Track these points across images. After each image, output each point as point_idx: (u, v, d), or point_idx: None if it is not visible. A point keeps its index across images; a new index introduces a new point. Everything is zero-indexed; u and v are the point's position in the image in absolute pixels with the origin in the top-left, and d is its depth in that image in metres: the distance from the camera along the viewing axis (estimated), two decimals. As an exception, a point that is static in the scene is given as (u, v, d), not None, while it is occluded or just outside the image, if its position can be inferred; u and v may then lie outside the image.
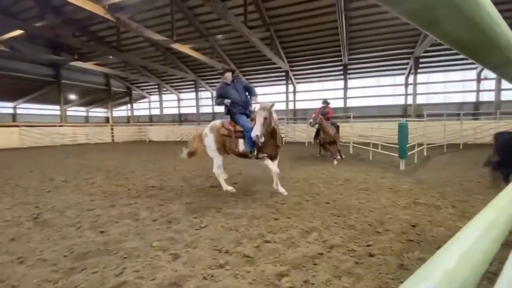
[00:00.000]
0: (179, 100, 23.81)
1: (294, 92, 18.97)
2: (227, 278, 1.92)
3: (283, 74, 17.84)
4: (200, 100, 21.71)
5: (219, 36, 13.67)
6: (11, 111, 21.13)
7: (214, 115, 21.97)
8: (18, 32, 12.16)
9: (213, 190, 4.51)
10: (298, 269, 2.03)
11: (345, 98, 17.27)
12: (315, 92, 18.55)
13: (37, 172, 6.52)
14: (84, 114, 25.99)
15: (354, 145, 9.72)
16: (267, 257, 2.22)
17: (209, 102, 22.30)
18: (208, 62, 15.43)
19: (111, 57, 15.88)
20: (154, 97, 24.99)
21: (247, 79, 19.62)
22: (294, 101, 19.03)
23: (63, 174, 6.29)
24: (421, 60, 14.36)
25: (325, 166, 6.85)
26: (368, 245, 2.39)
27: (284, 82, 18.16)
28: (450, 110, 12.93)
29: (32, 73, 18.43)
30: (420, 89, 15.29)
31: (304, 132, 14.69)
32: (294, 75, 18.22)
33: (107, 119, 26.23)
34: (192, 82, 21.20)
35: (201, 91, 21.79)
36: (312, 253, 2.24)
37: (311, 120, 7.29)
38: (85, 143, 17.86)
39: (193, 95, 21.96)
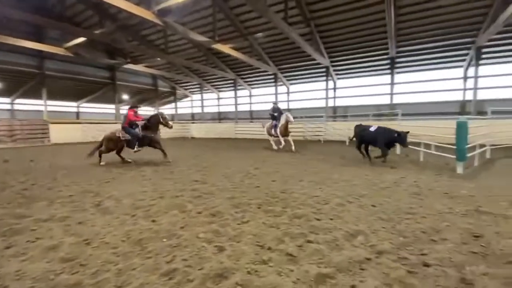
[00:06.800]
0: (219, 98, 24.61)
1: (335, 88, 18.23)
2: (270, 275, 1.93)
3: (324, 70, 17.25)
4: (237, 99, 22.19)
5: (259, 35, 13.71)
6: (75, 109, 23.92)
7: (251, 113, 22.24)
8: (81, 39, 13.66)
9: (252, 187, 4.57)
10: (344, 273, 1.95)
11: (391, 94, 16.07)
12: (357, 88, 17.63)
13: (101, 166, 7.28)
14: (134, 112, 28.26)
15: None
16: (310, 257, 2.17)
17: (247, 100, 22.63)
18: (247, 61, 15.63)
19: (158, 59, 16.99)
20: (196, 96, 26.22)
21: (285, 76, 19.47)
22: (334, 98, 18.29)
23: (121, 166, 6.94)
24: (483, 50, 12.71)
25: (370, 166, 6.48)
26: (422, 254, 2.19)
27: (324, 78, 17.56)
28: (521, 106, 11.22)
29: (92, 75, 20.73)
30: (482, 82, 13.53)
31: (344, 131, 14.04)
32: (334, 70, 17.50)
33: (154, 117, 28.24)
34: (232, 81, 21.72)
35: (239, 89, 22.23)
36: (358, 258, 2.14)
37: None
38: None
39: (232, 93, 22.54)
